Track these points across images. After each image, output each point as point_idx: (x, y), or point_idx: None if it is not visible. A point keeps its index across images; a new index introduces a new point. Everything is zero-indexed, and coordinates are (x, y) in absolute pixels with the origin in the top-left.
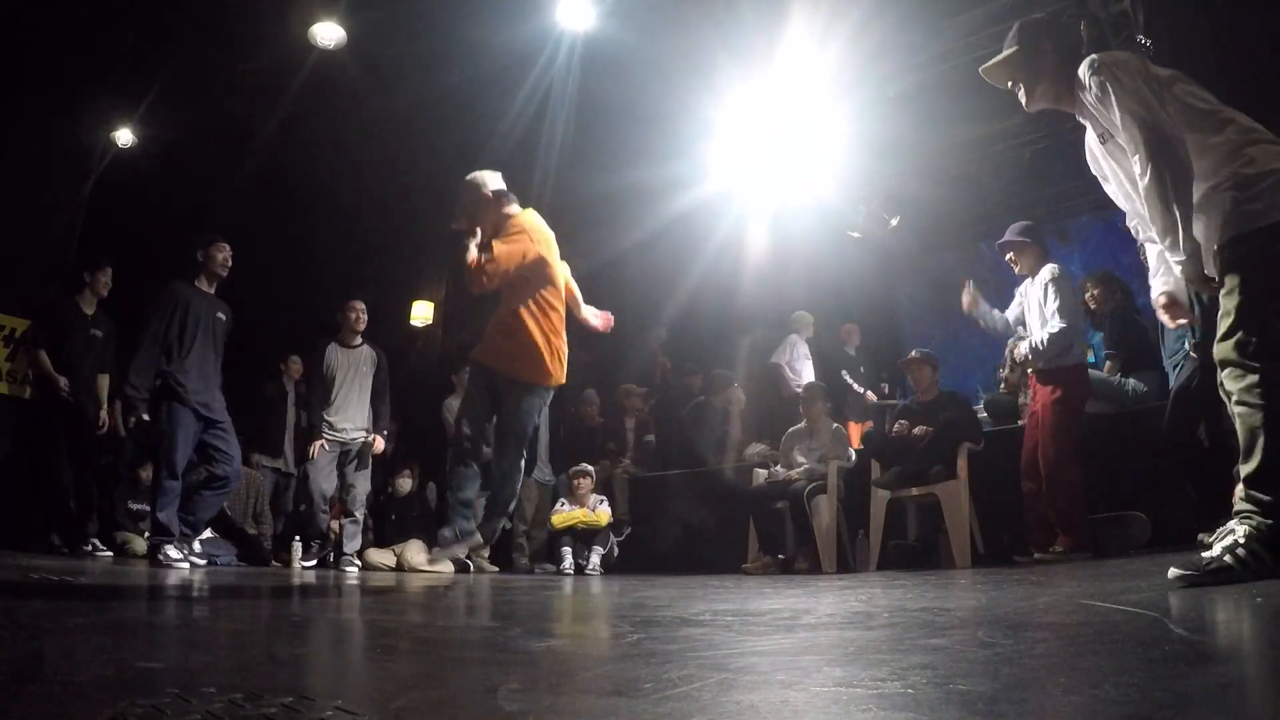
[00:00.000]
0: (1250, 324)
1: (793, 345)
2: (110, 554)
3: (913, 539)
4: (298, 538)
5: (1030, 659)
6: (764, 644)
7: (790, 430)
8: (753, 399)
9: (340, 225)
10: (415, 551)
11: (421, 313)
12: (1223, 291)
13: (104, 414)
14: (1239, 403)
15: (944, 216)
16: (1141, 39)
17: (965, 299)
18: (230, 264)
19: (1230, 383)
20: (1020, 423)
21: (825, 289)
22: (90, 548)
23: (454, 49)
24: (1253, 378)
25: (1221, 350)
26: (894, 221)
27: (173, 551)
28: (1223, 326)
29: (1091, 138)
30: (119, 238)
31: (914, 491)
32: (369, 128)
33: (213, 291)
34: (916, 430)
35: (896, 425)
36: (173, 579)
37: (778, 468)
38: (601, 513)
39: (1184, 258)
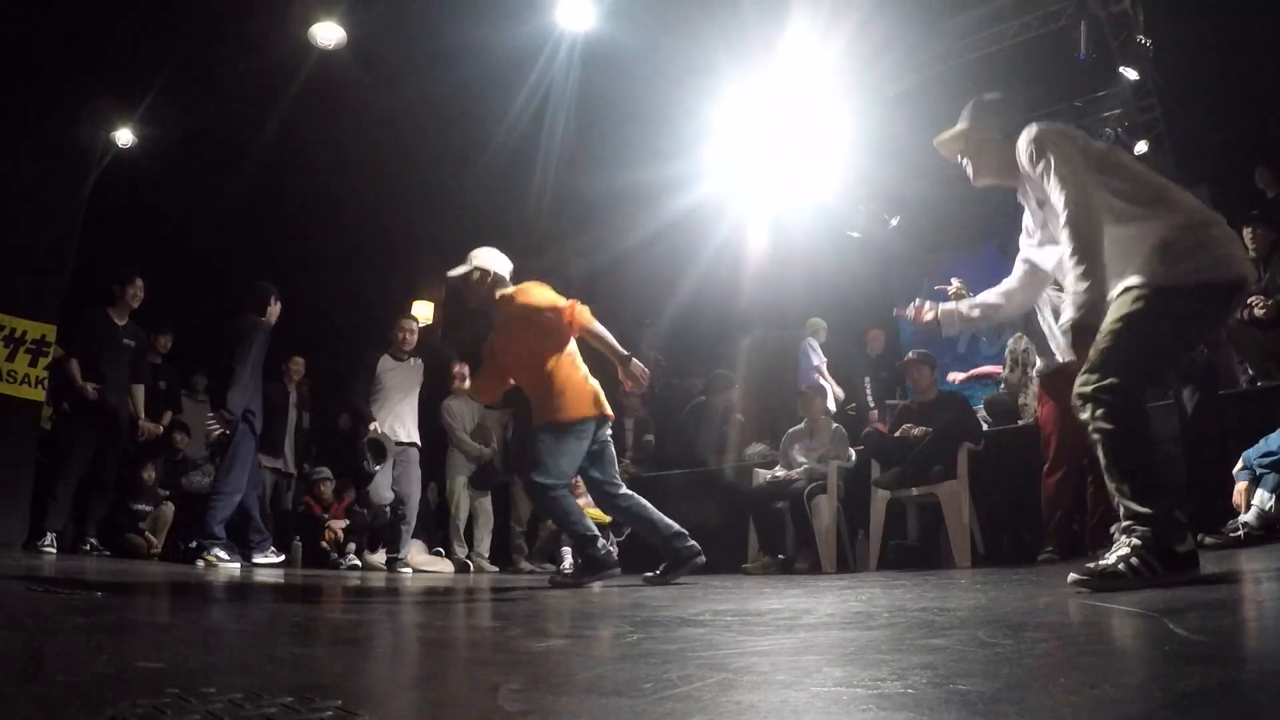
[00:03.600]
0: (1118, 366)
1: (813, 350)
2: (109, 554)
3: (913, 539)
4: (297, 539)
5: (1030, 659)
6: (764, 644)
7: (790, 430)
8: (753, 399)
9: (340, 225)
10: (415, 551)
11: (421, 313)
12: (1104, 326)
13: (144, 423)
14: (1095, 430)
15: (944, 216)
16: (1141, 39)
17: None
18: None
19: (1085, 415)
20: (1021, 422)
21: (825, 289)
22: (89, 547)
23: (454, 49)
24: (1101, 409)
25: (1082, 383)
26: (894, 221)
27: (45, 543)
28: (1092, 361)
29: (1029, 209)
30: (119, 238)
31: (914, 491)
32: (369, 128)
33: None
34: (916, 431)
35: (903, 427)
36: (172, 579)
37: (778, 469)
38: (598, 514)
39: (1083, 299)
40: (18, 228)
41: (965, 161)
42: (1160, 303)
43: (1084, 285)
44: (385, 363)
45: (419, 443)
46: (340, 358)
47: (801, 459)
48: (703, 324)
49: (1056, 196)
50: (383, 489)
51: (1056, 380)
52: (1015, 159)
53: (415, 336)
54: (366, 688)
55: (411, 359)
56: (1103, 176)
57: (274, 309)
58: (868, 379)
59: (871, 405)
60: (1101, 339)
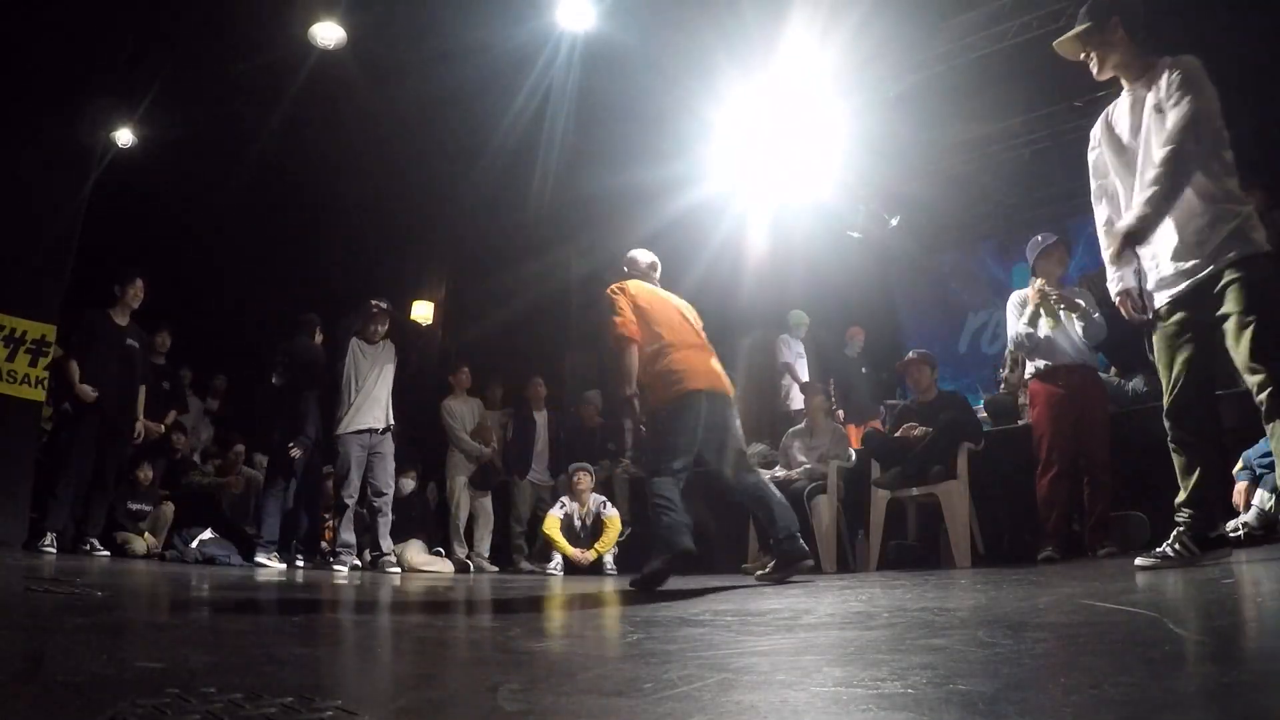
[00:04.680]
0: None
1: (786, 345)
2: (108, 554)
3: (913, 539)
4: (294, 541)
5: (1030, 659)
6: (764, 644)
7: (790, 429)
8: (752, 399)
9: (340, 225)
10: (415, 551)
11: (421, 313)
12: (1243, 310)
13: (140, 425)
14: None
15: (944, 216)
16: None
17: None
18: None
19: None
20: (1021, 422)
21: (825, 289)
22: (89, 547)
23: (454, 49)
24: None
25: (1261, 374)
26: (894, 221)
27: (45, 543)
28: (1261, 350)
29: (1125, 107)
30: (119, 238)
31: (914, 491)
32: (369, 127)
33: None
34: (916, 431)
35: (905, 426)
36: (172, 579)
37: (778, 469)
38: (611, 518)
39: (1144, 213)
40: (18, 228)
41: (1091, 57)
42: (1269, 268)
43: (1150, 204)
44: (355, 347)
45: (393, 425)
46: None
47: (802, 458)
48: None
49: (1176, 121)
50: (353, 477)
51: (1048, 380)
52: (1136, 52)
53: (385, 326)
54: (366, 688)
55: (382, 342)
56: (1218, 141)
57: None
58: (832, 380)
59: (836, 406)
60: (1254, 324)
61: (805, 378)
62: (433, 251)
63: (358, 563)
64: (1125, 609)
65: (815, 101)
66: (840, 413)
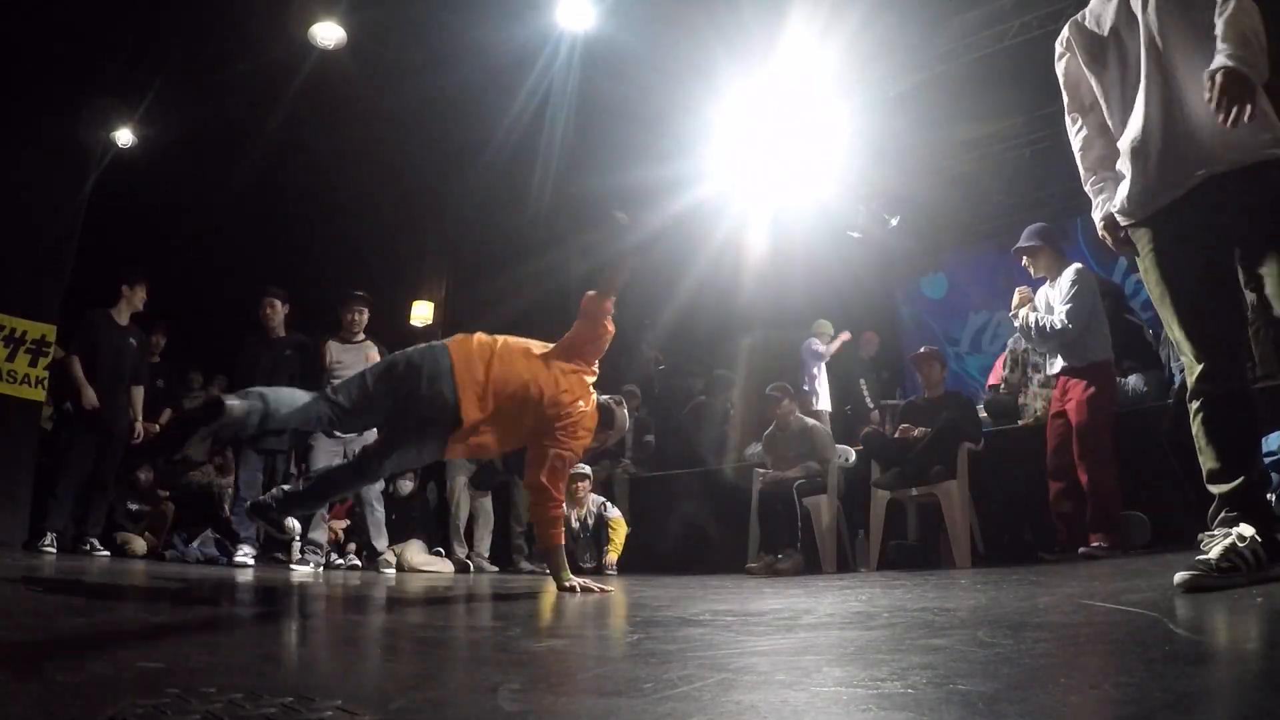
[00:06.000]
0: None
1: (814, 354)
2: (108, 554)
3: (913, 539)
4: (297, 538)
5: (1030, 659)
6: (764, 644)
7: (765, 435)
8: (753, 399)
9: (340, 225)
10: (415, 551)
11: (421, 313)
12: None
13: (139, 425)
14: None
15: (944, 216)
16: None
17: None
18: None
19: None
20: (1021, 422)
21: (825, 289)
22: (89, 547)
23: (454, 49)
24: None
25: None
26: (894, 221)
27: (45, 543)
28: None
29: (1105, 4)
30: (119, 238)
31: (914, 491)
32: (369, 128)
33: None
34: (916, 431)
35: (901, 427)
36: (172, 579)
37: (771, 471)
38: (615, 520)
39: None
40: (18, 228)
41: None
42: None
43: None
44: (333, 348)
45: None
46: None
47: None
48: (703, 324)
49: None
50: (312, 457)
51: (1047, 387)
52: None
53: (365, 317)
54: (366, 688)
55: (362, 340)
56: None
57: (266, 314)
58: (863, 381)
59: (871, 406)
60: None
61: (825, 386)
62: (433, 251)
63: (357, 562)
64: (1125, 609)
65: (815, 101)
66: (876, 413)
